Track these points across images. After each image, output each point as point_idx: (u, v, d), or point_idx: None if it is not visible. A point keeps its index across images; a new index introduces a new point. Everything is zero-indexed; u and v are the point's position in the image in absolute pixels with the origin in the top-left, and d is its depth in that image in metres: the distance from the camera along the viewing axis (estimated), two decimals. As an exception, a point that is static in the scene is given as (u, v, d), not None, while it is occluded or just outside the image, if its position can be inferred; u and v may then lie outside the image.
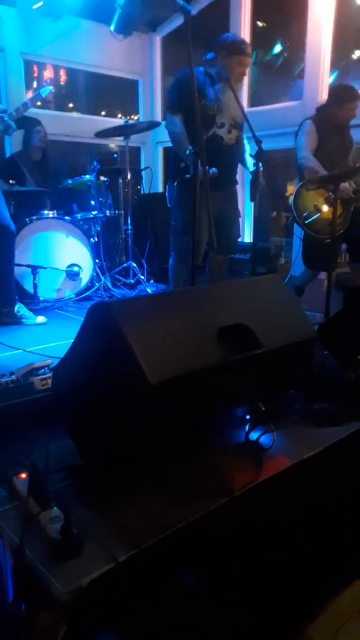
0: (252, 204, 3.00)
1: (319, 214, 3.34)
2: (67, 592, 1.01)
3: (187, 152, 2.82)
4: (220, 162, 2.99)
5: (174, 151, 3.22)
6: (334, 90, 3.56)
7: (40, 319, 3.26)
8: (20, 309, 3.24)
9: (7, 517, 1.23)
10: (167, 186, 3.40)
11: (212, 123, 3.04)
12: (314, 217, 3.33)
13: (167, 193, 3.38)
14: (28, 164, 4.41)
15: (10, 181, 4.37)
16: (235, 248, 3.48)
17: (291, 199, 3.47)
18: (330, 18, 4.74)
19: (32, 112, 5.08)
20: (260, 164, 2.95)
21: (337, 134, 3.53)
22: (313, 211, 3.35)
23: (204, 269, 3.27)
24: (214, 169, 2.92)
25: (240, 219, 3.37)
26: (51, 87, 3.48)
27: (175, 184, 3.18)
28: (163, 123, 3.37)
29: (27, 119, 4.31)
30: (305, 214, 3.35)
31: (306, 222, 3.35)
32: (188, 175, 2.89)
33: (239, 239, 3.57)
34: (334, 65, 4.92)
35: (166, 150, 6.28)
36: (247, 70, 3.04)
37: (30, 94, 5.58)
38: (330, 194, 3.29)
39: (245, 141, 3.27)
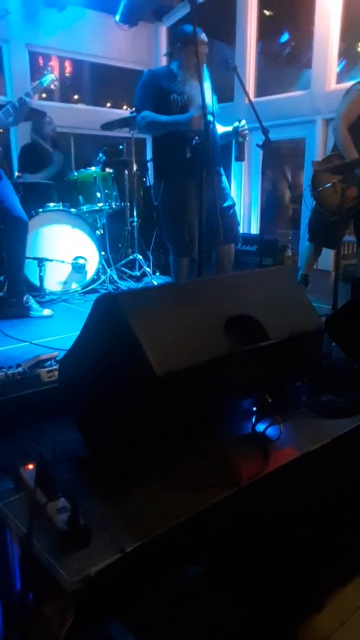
0: (259, 195, 2.99)
1: (334, 193, 3.27)
2: (75, 582, 1.01)
3: (187, 115, 2.82)
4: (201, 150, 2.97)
5: (156, 147, 3.22)
6: None
7: (47, 311, 3.27)
8: (29, 300, 3.25)
9: (15, 508, 1.24)
10: (153, 184, 3.40)
11: (185, 112, 3.03)
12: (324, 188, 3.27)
13: (152, 191, 3.37)
14: (41, 155, 4.40)
15: (17, 174, 4.37)
16: (237, 236, 3.43)
17: (312, 174, 3.43)
18: (338, 6, 4.68)
19: (38, 104, 5.09)
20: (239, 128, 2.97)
21: None
22: (329, 188, 3.29)
23: (209, 261, 3.26)
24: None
25: (232, 204, 3.32)
26: (54, 75, 3.34)
27: (161, 182, 3.18)
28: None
29: (37, 111, 4.30)
30: (319, 189, 3.31)
31: (318, 196, 3.32)
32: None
33: (239, 227, 3.54)
34: (342, 55, 4.87)
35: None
36: (204, 58, 2.98)
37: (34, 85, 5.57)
38: (341, 180, 3.24)
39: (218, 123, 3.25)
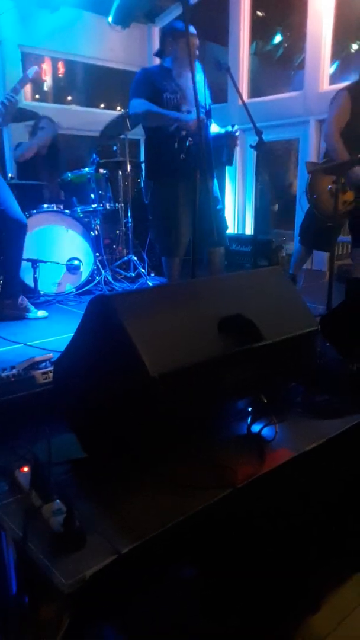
0: (253, 196, 3.01)
1: (330, 198, 3.28)
2: (70, 585, 1.01)
3: (190, 115, 2.82)
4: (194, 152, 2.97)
5: (149, 146, 3.22)
6: None
7: (42, 313, 3.26)
8: (24, 301, 3.24)
9: (10, 510, 1.24)
10: (144, 182, 3.40)
11: (178, 112, 3.03)
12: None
13: (143, 190, 3.38)
14: (36, 159, 4.38)
15: (10, 175, 4.36)
16: (226, 239, 3.44)
17: (308, 178, 3.44)
18: (331, 7, 4.69)
19: (31, 105, 5.07)
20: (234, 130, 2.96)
21: None
22: (327, 193, 3.30)
23: (201, 263, 3.27)
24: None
25: (222, 207, 3.34)
26: (36, 67, 3.21)
27: (151, 182, 3.19)
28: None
29: (34, 114, 4.27)
30: (317, 194, 3.32)
31: (315, 201, 3.32)
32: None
33: (228, 230, 3.54)
34: (335, 56, 4.88)
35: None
36: (196, 50, 2.97)
37: (28, 89, 5.55)
38: (339, 182, 3.25)
39: (212, 121, 3.25)
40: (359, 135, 3.31)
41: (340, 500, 1.68)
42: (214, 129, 3.21)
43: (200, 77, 3.05)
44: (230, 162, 3.11)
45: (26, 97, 5.58)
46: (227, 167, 3.45)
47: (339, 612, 1.45)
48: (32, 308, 3.26)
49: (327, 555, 1.60)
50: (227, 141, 3.04)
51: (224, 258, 3.36)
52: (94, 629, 1.17)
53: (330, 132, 3.29)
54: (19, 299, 3.21)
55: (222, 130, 3.13)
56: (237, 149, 3.19)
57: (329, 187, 3.29)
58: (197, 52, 3.00)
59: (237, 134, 3.08)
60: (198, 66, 3.02)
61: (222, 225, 3.25)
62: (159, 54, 3.22)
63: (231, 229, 5.81)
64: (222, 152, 3.11)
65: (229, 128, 3.07)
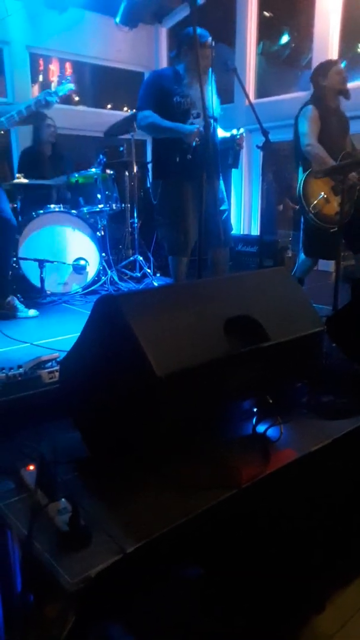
0: (259, 196, 3.02)
1: (327, 203, 3.32)
2: (75, 583, 1.01)
3: (190, 127, 2.82)
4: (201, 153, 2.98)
5: (156, 146, 3.23)
6: (316, 67, 3.59)
7: (32, 312, 3.28)
8: (13, 301, 3.25)
9: (16, 509, 1.24)
10: (151, 182, 3.41)
11: (188, 116, 3.05)
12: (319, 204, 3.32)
13: (150, 190, 3.39)
14: (40, 159, 4.40)
15: (17, 175, 4.38)
16: (230, 241, 3.46)
17: (299, 188, 3.44)
18: (338, 7, 4.69)
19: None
20: (238, 133, 3.00)
21: (336, 116, 3.51)
22: (321, 200, 3.33)
23: (205, 263, 3.28)
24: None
25: (229, 210, 3.35)
26: (72, 85, 3.14)
27: (159, 182, 3.20)
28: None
29: (37, 113, 4.27)
30: (313, 204, 3.33)
31: (314, 211, 3.33)
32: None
33: (232, 231, 3.57)
34: (342, 56, 4.87)
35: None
36: (210, 62, 3.00)
37: (36, 89, 5.56)
38: (339, 184, 3.27)
39: (218, 125, 3.26)
40: (332, 140, 3.40)
41: (345, 501, 1.67)
42: (220, 133, 3.21)
43: (211, 87, 3.06)
44: (236, 164, 3.12)
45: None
46: (233, 169, 3.46)
47: (344, 613, 1.44)
48: (22, 307, 3.27)
49: (332, 556, 1.60)
50: (233, 144, 3.05)
51: (229, 259, 3.36)
52: (98, 628, 1.18)
53: (311, 142, 3.37)
54: (9, 299, 3.23)
55: (228, 134, 3.14)
56: (243, 150, 3.21)
57: (322, 194, 3.32)
58: (211, 64, 3.02)
59: (242, 135, 3.09)
60: (210, 75, 3.04)
61: (227, 226, 3.26)
62: (173, 58, 3.23)
63: (237, 229, 5.81)
64: (228, 154, 3.13)
65: (235, 132, 3.08)
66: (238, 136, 3.06)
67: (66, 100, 6.16)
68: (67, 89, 3.14)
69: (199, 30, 2.85)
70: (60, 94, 3.13)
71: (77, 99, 6.37)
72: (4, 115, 3.00)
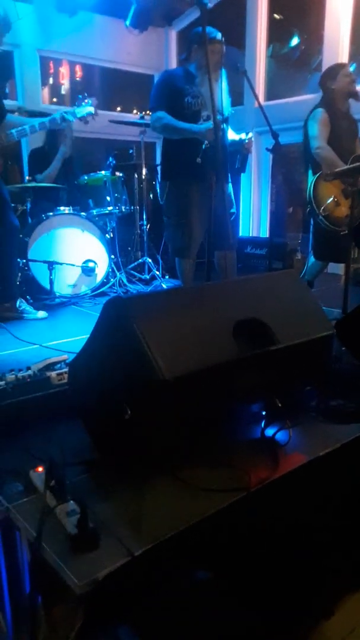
0: (269, 198, 3.02)
1: (337, 206, 3.31)
2: (84, 585, 1.01)
3: (204, 126, 2.83)
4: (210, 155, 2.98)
5: (167, 147, 3.24)
6: (325, 71, 3.62)
7: (41, 313, 3.29)
8: (21, 304, 3.27)
9: (24, 511, 1.24)
10: (159, 183, 3.41)
11: (198, 117, 3.06)
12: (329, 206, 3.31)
13: (158, 190, 3.39)
14: (50, 160, 4.42)
15: (27, 177, 4.40)
16: (236, 242, 3.46)
17: (309, 191, 3.43)
18: (349, 10, 4.67)
19: (48, 108, 5.12)
20: (247, 136, 3.02)
21: (345, 119, 3.52)
22: (331, 203, 3.32)
23: (212, 265, 3.28)
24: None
25: (237, 213, 3.36)
26: (92, 109, 3.04)
27: (167, 182, 3.20)
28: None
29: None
30: (323, 207, 3.32)
31: (324, 214, 3.32)
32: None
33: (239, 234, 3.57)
34: (352, 58, 4.85)
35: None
36: (220, 58, 3.01)
37: (46, 92, 5.59)
38: (348, 187, 3.27)
39: (229, 126, 3.27)
40: (341, 144, 3.38)
41: (355, 506, 1.66)
42: (230, 135, 3.21)
43: (223, 84, 3.06)
44: (243, 169, 3.12)
45: (44, 101, 5.64)
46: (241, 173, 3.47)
47: (353, 618, 1.43)
48: (30, 309, 3.28)
49: (341, 560, 1.59)
50: (240, 148, 3.05)
51: (236, 261, 3.36)
52: (106, 630, 1.18)
53: (321, 145, 3.37)
54: (17, 302, 3.25)
55: (237, 138, 3.14)
56: (253, 153, 3.21)
57: (332, 197, 3.31)
58: (222, 60, 3.02)
59: (250, 139, 3.08)
60: (222, 73, 3.04)
61: (235, 229, 3.26)
62: (184, 58, 3.24)
63: (246, 232, 5.80)
64: (236, 159, 3.13)
65: (244, 136, 3.07)
66: (246, 140, 3.06)
67: (75, 102, 6.19)
68: (86, 112, 3.09)
69: (208, 28, 2.86)
70: (78, 115, 3.09)
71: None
72: (16, 127, 3.01)
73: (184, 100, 3.02)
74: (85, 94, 3.09)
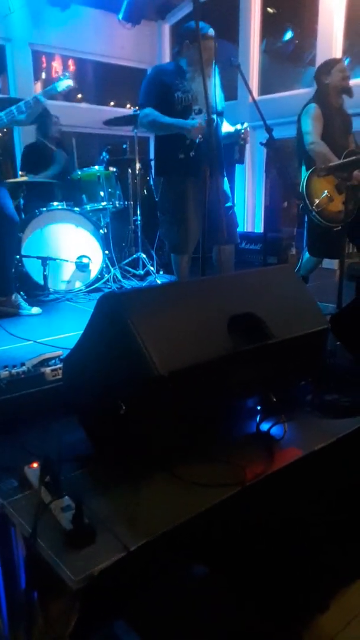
0: (263, 193, 3.01)
1: (331, 202, 3.31)
2: (79, 581, 1.01)
3: (192, 122, 2.82)
4: (204, 150, 2.96)
5: (159, 143, 3.23)
6: (319, 66, 3.59)
7: (36, 309, 3.28)
8: (17, 298, 3.26)
9: (19, 506, 1.24)
10: (154, 179, 3.40)
11: (189, 112, 3.03)
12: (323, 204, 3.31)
13: (153, 187, 3.38)
14: (45, 155, 4.40)
15: (20, 173, 4.38)
16: (236, 237, 3.44)
17: (302, 186, 3.43)
18: (342, 4, 4.67)
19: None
20: (242, 127, 2.98)
21: (339, 114, 3.51)
22: (325, 198, 3.31)
23: (209, 261, 3.27)
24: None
25: (233, 206, 3.34)
26: (71, 82, 3.07)
27: (161, 178, 3.19)
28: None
29: (41, 112, 4.27)
30: (316, 202, 3.32)
31: (318, 209, 3.32)
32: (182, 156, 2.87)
33: (238, 228, 3.54)
34: (346, 52, 4.85)
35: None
36: (213, 53, 2.96)
37: (39, 87, 5.56)
38: (342, 182, 3.26)
39: (225, 120, 3.24)
40: (335, 139, 3.39)
41: (350, 500, 1.67)
42: (225, 127, 3.20)
43: (216, 80, 3.04)
44: (241, 160, 3.10)
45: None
46: (237, 165, 3.46)
47: (348, 612, 1.44)
48: (25, 305, 3.28)
49: (336, 555, 1.60)
50: (238, 139, 3.03)
51: (234, 256, 3.35)
52: (102, 626, 1.18)
53: (315, 140, 3.36)
54: (13, 297, 3.24)
55: (233, 129, 3.12)
56: (247, 147, 3.19)
57: (325, 192, 3.31)
58: (214, 56, 2.99)
59: (246, 129, 3.07)
60: (215, 68, 3.02)
61: (232, 223, 3.24)
62: (176, 54, 3.21)
63: (240, 227, 5.79)
64: (233, 150, 3.11)
65: (239, 127, 3.06)
66: (242, 130, 3.04)
67: (68, 97, 6.16)
68: (65, 85, 3.10)
69: (200, 23, 2.83)
70: (58, 89, 3.10)
71: (79, 96, 6.36)
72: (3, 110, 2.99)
73: (174, 95, 3.00)
74: (66, 74, 3.10)
